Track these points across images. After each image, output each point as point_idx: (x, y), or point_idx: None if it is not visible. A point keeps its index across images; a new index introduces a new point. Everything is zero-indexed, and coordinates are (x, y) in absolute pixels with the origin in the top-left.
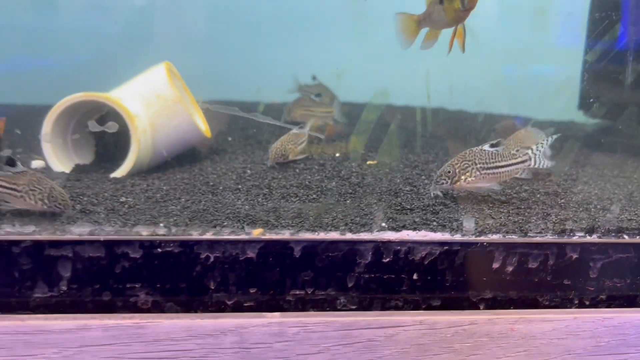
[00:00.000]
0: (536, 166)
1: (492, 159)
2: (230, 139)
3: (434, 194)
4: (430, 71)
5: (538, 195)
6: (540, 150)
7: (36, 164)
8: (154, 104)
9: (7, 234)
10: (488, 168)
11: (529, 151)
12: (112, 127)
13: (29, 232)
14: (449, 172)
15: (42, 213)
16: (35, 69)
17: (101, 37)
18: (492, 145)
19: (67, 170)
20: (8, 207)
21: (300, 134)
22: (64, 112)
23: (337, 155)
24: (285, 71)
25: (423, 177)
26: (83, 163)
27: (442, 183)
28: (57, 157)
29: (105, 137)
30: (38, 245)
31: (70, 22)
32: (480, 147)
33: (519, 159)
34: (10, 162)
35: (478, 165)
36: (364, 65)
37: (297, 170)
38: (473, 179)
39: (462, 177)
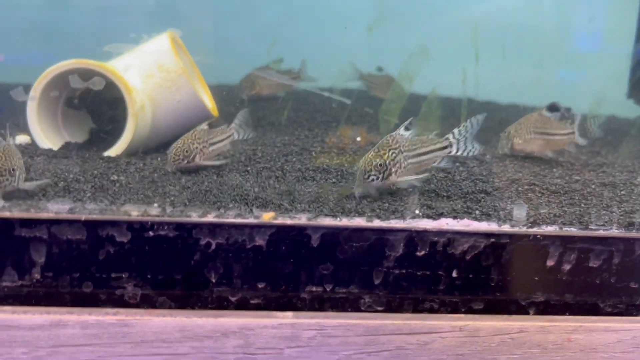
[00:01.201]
0: (459, 154)
1: (414, 145)
2: None
3: (358, 192)
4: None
5: (593, 186)
6: (463, 135)
7: (20, 139)
8: (154, 76)
9: None
10: (412, 156)
11: (450, 136)
12: (97, 83)
13: None
14: (380, 164)
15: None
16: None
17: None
18: (406, 129)
19: (55, 148)
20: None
21: (216, 131)
22: (54, 81)
23: (359, 139)
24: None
25: (457, 163)
26: (75, 141)
27: (373, 180)
28: (44, 133)
29: (102, 113)
30: (7, 223)
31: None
32: (397, 131)
33: (438, 145)
34: None
35: (405, 154)
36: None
37: (314, 154)
38: (403, 170)
39: (394, 170)
